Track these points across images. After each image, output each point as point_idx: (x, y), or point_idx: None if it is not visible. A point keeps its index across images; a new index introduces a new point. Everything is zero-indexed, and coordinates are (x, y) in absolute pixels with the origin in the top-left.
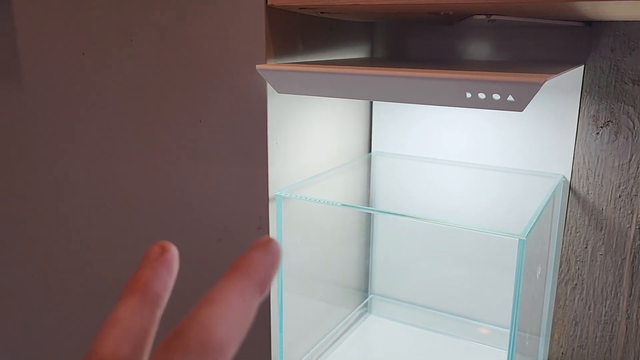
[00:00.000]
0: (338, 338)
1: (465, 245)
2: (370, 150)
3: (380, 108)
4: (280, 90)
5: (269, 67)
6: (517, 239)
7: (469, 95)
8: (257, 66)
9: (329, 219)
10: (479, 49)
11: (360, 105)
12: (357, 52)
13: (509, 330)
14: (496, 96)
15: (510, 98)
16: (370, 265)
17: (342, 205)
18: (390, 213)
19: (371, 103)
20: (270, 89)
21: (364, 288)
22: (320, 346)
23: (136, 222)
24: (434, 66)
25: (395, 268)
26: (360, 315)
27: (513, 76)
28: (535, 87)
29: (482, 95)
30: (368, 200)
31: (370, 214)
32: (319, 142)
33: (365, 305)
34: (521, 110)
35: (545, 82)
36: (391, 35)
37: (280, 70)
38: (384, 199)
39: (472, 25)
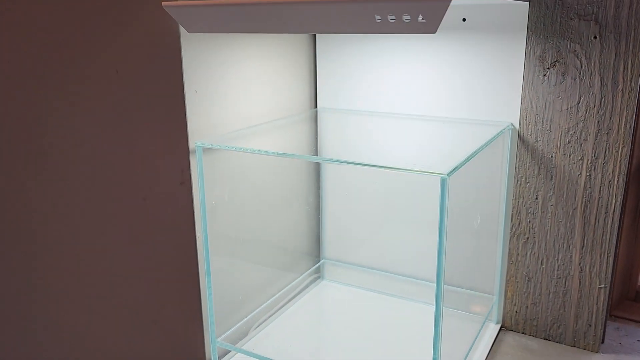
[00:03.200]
0: (287, 303)
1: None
2: (316, 106)
3: (323, 64)
4: (190, 29)
5: (176, 3)
6: (440, 177)
7: (378, 18)
8: (164, 3)
9: (269, 174)
10: None
11: (302, 62)
12: None
13: (461, 290)
14: (406, 17)
15: (420, 18)
16: (321, 228)
17: (276, 154)
18: (329, 160)
19: (315, 61)
20: (183, 32)
21: (316, 253)
22: (261, 312)
23: (61, 186)
24: None
25: (345, 230)
26: (313, 280)
27: None
28: (445, 4)
29: (392, 18)
30: (316, 154)
31: (318, 168)
32: (256, 95)
33: (318, 270)
34: (434, 31)
35: None
36: None
37: (188, 6)
38: (332, 153)
39: None
